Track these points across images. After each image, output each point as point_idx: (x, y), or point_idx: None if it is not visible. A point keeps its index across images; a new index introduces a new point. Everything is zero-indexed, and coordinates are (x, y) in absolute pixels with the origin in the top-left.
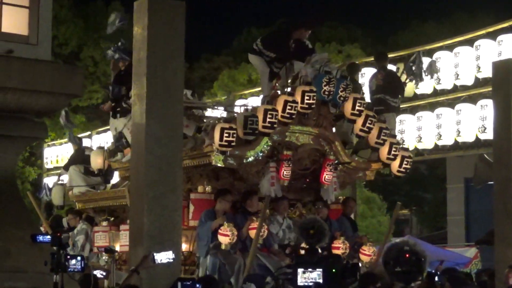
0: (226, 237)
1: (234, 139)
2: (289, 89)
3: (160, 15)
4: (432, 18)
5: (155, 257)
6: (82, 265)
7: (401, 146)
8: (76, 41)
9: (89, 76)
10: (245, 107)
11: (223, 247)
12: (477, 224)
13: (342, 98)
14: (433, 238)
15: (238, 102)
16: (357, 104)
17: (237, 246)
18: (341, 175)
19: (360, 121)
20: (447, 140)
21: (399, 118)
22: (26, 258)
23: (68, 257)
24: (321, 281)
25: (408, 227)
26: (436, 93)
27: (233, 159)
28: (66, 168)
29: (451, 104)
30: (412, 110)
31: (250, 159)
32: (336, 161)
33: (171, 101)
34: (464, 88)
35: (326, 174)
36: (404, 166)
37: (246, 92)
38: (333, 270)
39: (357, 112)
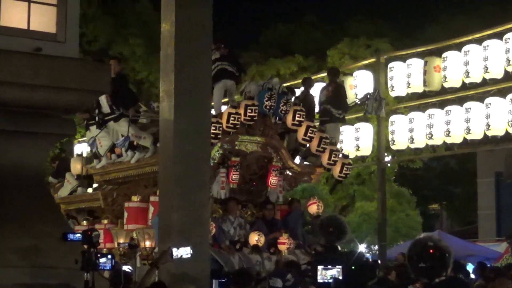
0: None
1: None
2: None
3: (187, 12)
4: (460, 11)
5: (174, 252)
6: (112, 263)
7: (341, 153)
8: (105, 38)
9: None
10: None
11: None
12: (508, 218)
13: (283, 112)
14: (463, 232)
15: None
16: (297, 116)
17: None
18: (288, 178)
19: (301, 130)
20: (477, 134)
21: (428, 112)
22: (56, 254)
23: (99, 255)
24: (340, 277)
25: (438, 221)
26: (465, 86)
27: None
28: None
29: (480, 98)
30: (441, 104)
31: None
32: (281, 167)
33: (199, 97)
34: (494, 81)
35: (272, 178)
36: (344, 172)
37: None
38: (352, 267)
39: (297, 123)
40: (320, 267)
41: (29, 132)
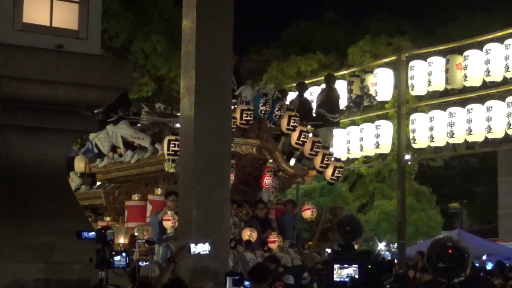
0: (168, 221)
1: (179, 149)
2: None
3: (208, 9)
4: (482, 10)
5: (192, 249)
6: (127, 261)
7: (333, 157)
8: (127, 34)
9: (139, 68)
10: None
11: (168, 231)
12: None
13: (277, 116)
14: (483, 231)
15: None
16: (291, 121)
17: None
18: (281, 180)
19: (295, 135)
20: (498, 133)
21: (449, 110)
22: (76, 250)
23: (113, 253)
24: (357, 276)
25: (459, 220)
26: (486, 85)
27: None
28: None
29: (501, 96)
30: (462, 103)
31: None
32: (275, 168)
33: (219, 94)
34: None
35: (266, 179)
36: (336, 174)
37: (295, 84)
38: (369, 266)
39: (292, 128)
40: (336, 266)
41: (52, 129)
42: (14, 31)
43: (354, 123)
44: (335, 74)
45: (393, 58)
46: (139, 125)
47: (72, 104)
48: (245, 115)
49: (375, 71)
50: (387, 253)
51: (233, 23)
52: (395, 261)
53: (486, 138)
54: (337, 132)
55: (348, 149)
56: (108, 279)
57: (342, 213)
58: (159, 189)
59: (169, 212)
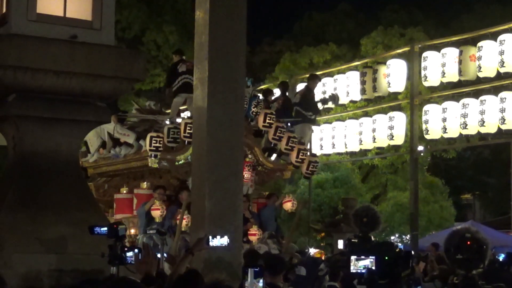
0: (157, 211)
1: (161, 145)
2: None
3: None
4: (496, 1)
5: (210, 241)
6: (139, 257)
7: (308, 152)
8: (139, 25)
9: (152, 60)
10: (171, 121)
11: (156, 220)
12: None
13: (254, 113)
14: (496, 223)
15: (299, 86)
16: (267, 118)
17: (170, 231)
18: (261, 174)
19: (271, 131)
20: (511, 124)
21: (462, 101)
22: (89, 240)
23: (125, 249)
24: (373, 268)
25: (471, 212)
26: (499, 76)
27: (166, 162)
28: None
29: None
30: (475, 94)
31: (181, 162)
32: (254, 163)
33: (233, 84)
34: None
35: (245, 173)
36: (311, 169)
37: (307, 75)
38: (386, 258)
39: (268, 124)
40: (353, 258)
41: (66, 119)
42: (28, 22)
43: (366, 114)
44: (348, 66)
45: (406, 49)
46: (129, 122)
47: (86, 95)
48: None
49: (388, 62)
50: (399, 244)
51: (246, 14)
52: (413, 253)
53: (499, 129)
54: (349, 123)
55: (361, 141)
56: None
57: (355, 205)
58: (145, 183)
59: (157, 202)
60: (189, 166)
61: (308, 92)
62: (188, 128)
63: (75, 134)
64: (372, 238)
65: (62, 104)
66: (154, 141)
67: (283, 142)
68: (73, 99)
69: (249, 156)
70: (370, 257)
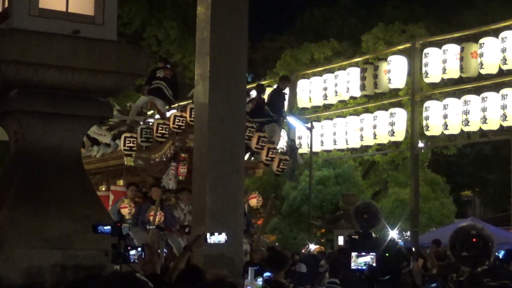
0: (125, 209)
1: (134, 145)
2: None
3: None
4: None
5: (208, 238)
6: (143, 256)
7: (278, 150)
8: (140, 21)
9: (152, 55)
10: (147, 121)
11: (126, 217)
12: None
13: None
14: (496, 220)
15: (300, 82)
16: None
17: (142, 226)
18: None
19: None
20: None
21: (464, 98)
22: (92, 236)
23: (129, 248)
24: (374, 264)
25: (471, 208)
26: (501, 73)
27: (142, 160)
28: None
29: None
30: (477, 91)
31: (157, 160)
32: None
33: (234, 80)
34: None
35: None
36: (281, 166)
37: (308, 72)
38: (387, 254)
39: None
40: (353, 254)
41: (68, 115)
42: (30, 17)
43: (367, 110)
44: (349, 62)
45: (407, 45)
46: (111, 122)
47: (89, 90)
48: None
49: (389, 58)
50: (400, 241)
51: (248, 10)
52: (413, 249)
53: (501, 126)
54: (350, 119)
55: (362, 137)
56: None
57: (356, 201)
58: (121, 180)
59: (126, 200)
60: (164, 164)
61: (277, 93)
62: (160, 128)
63: (77, 130)
64: (373, 235)
65: (64, 99)
66: (128, 141)
67: (253, 141)
68: (75, 95)
69: None
70: (371, 253)
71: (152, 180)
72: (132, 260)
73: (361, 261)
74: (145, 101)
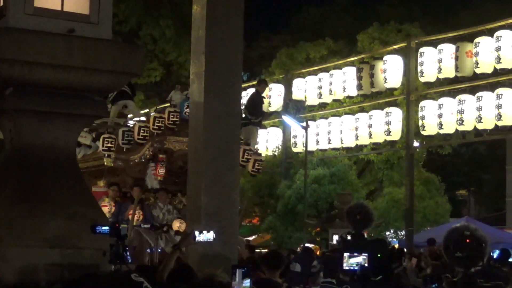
0: (105, 207)
1: (113, 145)
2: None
3: None
4: None
5: (196, 236)
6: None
7: (253, 151)
8: (136, 19)
9: (148, 54)
10: (127, 123)
11: (106, 215)
12: None
13: (187, 114)
14: (491, 219)
15: (296, 81)
16: None
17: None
18: None
19: None
20: (508, 121)
21: (459, 97)
22: (87, 235)
23: (127, 248)
24: (366, 265)
25: (466, 208)
26: (496, 72)
27: (121, 161)
28: None
29: None
30: (472, 90)
31: (136, 160)
32: None
33: (230, 79)
34: None
35: None
36: (256, 167)
37: (304, 70)
38: (379, 255)
39: None
40: (346, 255)
41: (63, 113)
42: (26, 16)
43: (363, 109)
44: (344, 61)
45: (402, 44)
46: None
47: (84, 89)
48: (172, 116)
49: (385, 57)
50: (395, 240)
51: (244, 9)
52: (405, 250)
53: (495, 125)
54: (346, 119)
55: (357, 136)
56: None
57: (351, 200)
58: (102, 181)
59: (106, 199)
60: (143, 165)
61: (256, 96)
62: (142, 131)
63: (73, 128)
64: (365, 235)
65: (59, 98)
66: (107, 142)
67: None
68: (70, 93)
69: None
70: (363, 254)
71: (132, 180)
72: (130, 261)
73: (353, 261)
74: (117, 110)
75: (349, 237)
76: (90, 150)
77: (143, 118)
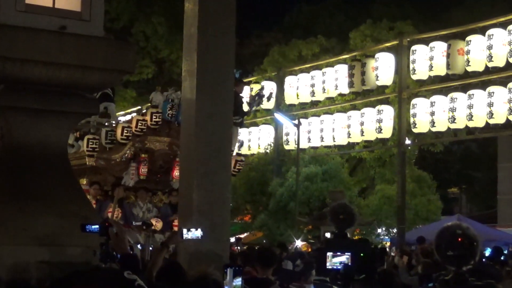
0: None
1: (97, 146)
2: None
3: None
4: None
5: (184, 234)
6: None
7: (234, 152)
8: (128, 16)
9: (140, 51)
10: (110, 123)
11: None
12: None
13: (170, 115)
14: (483, 217)
15: (288, 78)
16: None
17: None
18: None
19: None
20: (499, 119)
21: (450, 95)
22: (78, 232)
23: None
24: (349, 264)
25: (458, 205)
26: (488, 71)
27: (103, 160)
28: None
29: (503, 82)
30: (464, 88)
31: (117, 160)
32: None
33: (222, 77)
34: None
35: (176, 171)
36: (237, 167)
37: (296, 68)
38: (361, 255)
39: None
40: (329, 254)
41: (54, 111)
42: (17, 12)
43: (355, 107)
44: (336, 58)
45: (394, 42)
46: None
47: (76, 86)
48: (155, 117)
49: (377, 55)
50: (387, 237)
51: (236, 6)
52: (387, 249)
53: (487, 123)
54: (338, 116)
55: (349, 134)
56: None
57: (342, 197)
58: (84, 179)
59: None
60: (124, 164)
61: (235, 97)
62: (125, 131)
63: (64, 126)
64: (357, 231)
65: (51, 96)
66: (91, 143)
67: None
68: (62, 91)
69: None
70: (346, 253)
71: (113, 179)
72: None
73: (336, 260)
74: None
75: (331, 237)
76: (72, 150)
77: (128, 118)
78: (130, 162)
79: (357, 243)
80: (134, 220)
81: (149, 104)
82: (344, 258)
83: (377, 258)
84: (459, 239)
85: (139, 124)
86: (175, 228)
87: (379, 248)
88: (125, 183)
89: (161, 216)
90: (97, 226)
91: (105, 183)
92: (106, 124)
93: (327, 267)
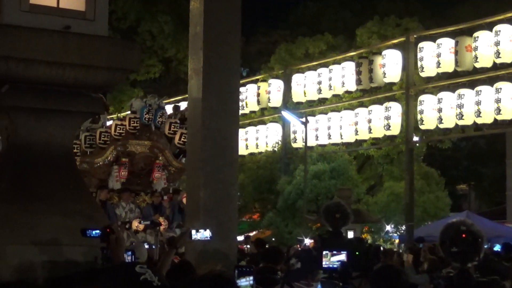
0: None
1: (78, 150)
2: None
3: None
4: None
5: (193, 235)
6: (133, 260)
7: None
8: (134, 16)
9: (147, 50)
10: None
11: None
12: None
13: (160, 122)
14: (491, 213)
15: (295, 76)
16: (172, 126)
17: None
18: (171, 173)
19: (177, 137)
20: (507, 115)
21: (458, 92)
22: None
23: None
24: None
25: (467, 202)
26: (495, 66)
27: (86, 164)
28: None
29: (511, 78)
30: (471, 85)
31: (100, 163)
32: (163, 164)
33: (228, 75)
34: None
35: (156, 173)
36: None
37: (303, 66)
38: (357, 253)
39: (172, 132)
40: (325, 253)
41: (59, 110)
42: (21, 12)
43: (362, 104)
44: (343, 56)
45: (401, 39)
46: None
47: (80, 86)
48: (133, 122)
49: (384, 52)
50: (395, 235)
51: (241, 4)
52: (381, 248)
53: (495, 119)
54: (345, 114)
55: (356, 131)
56: None
57: (350, 195)
58: None
59: None
60: (107, 167)
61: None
62: (103, 136)
63: (69, 125)
64: (365, 229)
65: (55, 95)
66: (88, 139)
67: (176, 138)
68: (66, 90)
69: (160, 158)
70: (342, 252)
71: (97, 181)
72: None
73: (333, 259)
74: None
75: (326, 236)
76: None
77: (109, 123)
78: (113, 165)
79: (352, 242)
80: (116, 220)
81: (129, 112)
82: (341, 257)
83: (372, 256)
84: (463, 236)
85: (118, 128)
86: (161, 227)
87: (374, 246)
88: (113, 187)
89: (143, 216)
90: (98, 231)
91: (89, 186)
92: (101, 126)
93: (323, 266)
